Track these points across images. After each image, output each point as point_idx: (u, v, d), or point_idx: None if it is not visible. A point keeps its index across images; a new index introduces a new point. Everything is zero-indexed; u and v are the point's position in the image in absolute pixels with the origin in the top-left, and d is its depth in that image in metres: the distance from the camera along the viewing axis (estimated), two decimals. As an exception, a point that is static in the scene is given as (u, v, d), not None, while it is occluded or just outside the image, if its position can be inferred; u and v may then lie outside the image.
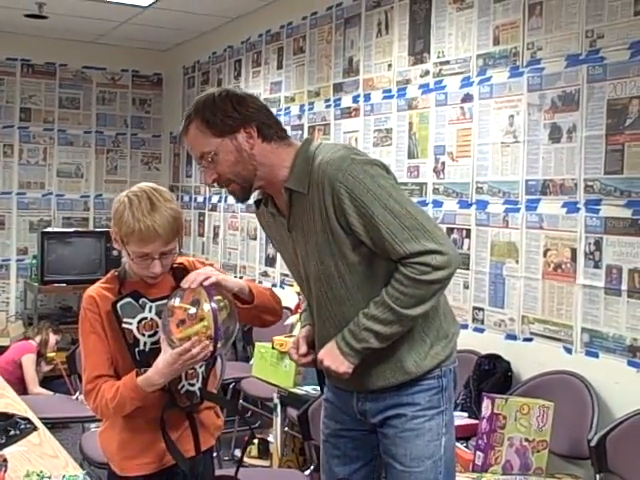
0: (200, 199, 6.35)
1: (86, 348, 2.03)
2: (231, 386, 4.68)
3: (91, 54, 6.74)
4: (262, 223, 2.18)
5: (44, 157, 6.69)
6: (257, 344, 4.54)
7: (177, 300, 1.94)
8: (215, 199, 6.07)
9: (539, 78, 3.26)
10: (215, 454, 3.52)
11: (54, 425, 3.17)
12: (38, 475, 2.03)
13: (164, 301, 2.02)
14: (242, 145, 1.92)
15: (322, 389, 2.22)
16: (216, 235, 6.07)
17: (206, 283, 1.90)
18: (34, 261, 6.36)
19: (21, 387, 4.49)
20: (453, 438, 2.08)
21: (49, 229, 6.40)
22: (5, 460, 2.00)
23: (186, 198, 6.63)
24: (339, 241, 1.90)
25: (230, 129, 1.91)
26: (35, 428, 2.47)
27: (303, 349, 2.08)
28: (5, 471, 1.99)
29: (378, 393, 2.02)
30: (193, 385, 2.09)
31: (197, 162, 1.99)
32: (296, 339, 2.13)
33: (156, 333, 2.02)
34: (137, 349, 2.01)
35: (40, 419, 2.65)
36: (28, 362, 5.09)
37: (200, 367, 2.07)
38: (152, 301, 2.04)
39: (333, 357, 1.94)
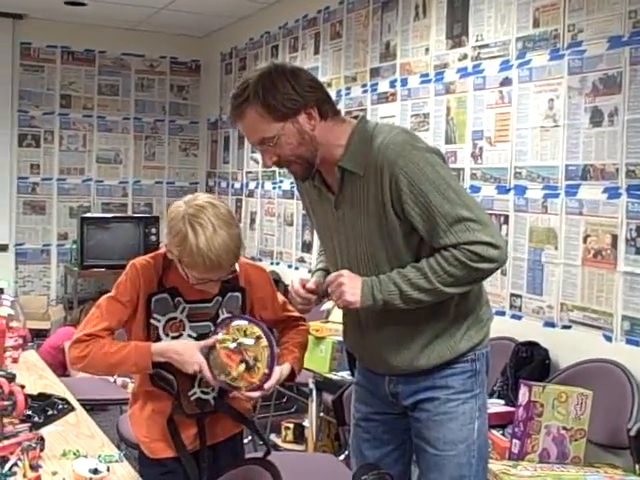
0: (237, 185, 6.36)
1: (106, 308, 2.02)
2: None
3: (130, 41, 6.79)
4: (302, 193, 2.15)
5: (84, 143, 6.77)
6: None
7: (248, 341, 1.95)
8: (252, 185, 6.08)
9: (580, 61, 3.19)
10: (249, 438, 3.56)
11: (93, 407, 3.21)
12: (75, 454, 2.06)
13: (200, 304, 2.02)
14: (304, 127, 1.87)
15: (353, 372, 2.21)
16: (253, 221, 6.08)
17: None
18: (74, 246, 6.45)
19: (63, 371, 4.56)
20: (486, 422, 2.06)
21: (88, 214, 6.48)
22: (42, 439, 2.03)
23: (223, 184, 6.66)
24: (391, 227, 1.88)
25: (292, 112, 1.85)
26: (72, 409, 2.50)
27: (311, 285, 2.04)
28: (42, 450, 2.01)
29: (411, 376, 2.00)
30: (207, 393, 2.08)
31: (254, 145, 1.94)
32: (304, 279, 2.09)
33: (181, 335, 2.02)
34: None
35: (78, 400, 2.69)
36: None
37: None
38: (188, 302, 2.03)
39: (353, 283, 1.89)
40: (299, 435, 4.29)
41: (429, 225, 1.84)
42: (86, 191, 6.81)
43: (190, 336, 2.03)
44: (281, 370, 2.00)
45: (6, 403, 1.92)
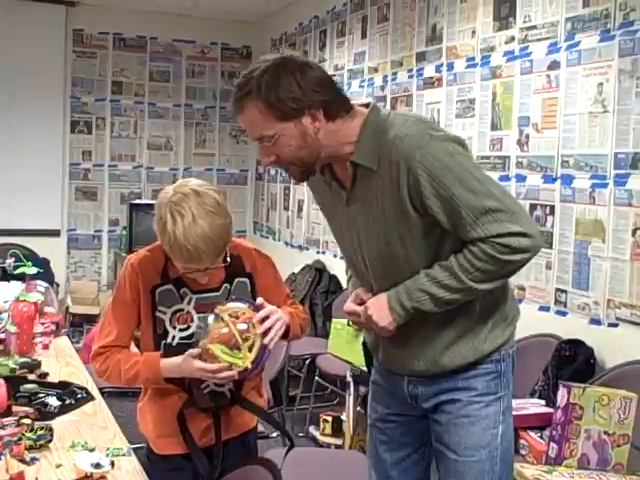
0: (285, 173, 6.29)
1: (113, 315, 1.99)
2: (307, 362, 4.64)
3: (181, 27, 6.78)
4: (312, 187, 2.03)
5: (135, 130, 6.80)
6: (334, 320, 4.48)
7: (232, 319, 1.85)
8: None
9: (632, 42, 2.98)
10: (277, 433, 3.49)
11: (120, 395, 3.19)
12: (82, 446, 2.01)
13: (207, 294, 1.95)
14: (307, 130, 1.73)
15: (370, 370, 2.10)
16: (300, 209, 6.01)
17: (270, 344, 1.86)
18: (124, 232, 6.50)
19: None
20: (511, 427, 1.94)
21: (138, 201, 6.51)
22: (51, 429, 1.99)
23: (272, 171, 6.60)
24: (410, 223, 1.76)
25: (295, 113, 1.71)
26: (92, 398, 2.47)
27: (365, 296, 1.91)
28: (50, 440, 1.98)
29: (431, 377, 1.89)
30: (222, 386, 2.01)
31: (253, 140, 1.82)
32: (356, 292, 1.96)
33: (189, 327, 1.95)
34: (164, 341, 1.96)
35: (103, 389, 2.66)
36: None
37: None
38: (194, 292, 1.96)
39: (379, 308, 1.81)
40: (337, 428, 4.22)
41: (454, 219, 1.72)
42: (137, 177, 6.85)
43: (200, 327, 1.95)
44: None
45: None
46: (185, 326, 1.95)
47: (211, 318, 1.86)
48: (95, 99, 6.63)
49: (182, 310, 1.96)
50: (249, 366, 1.83)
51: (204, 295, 1.96)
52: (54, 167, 6.52)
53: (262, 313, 1.87)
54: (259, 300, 1.93)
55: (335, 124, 1.77)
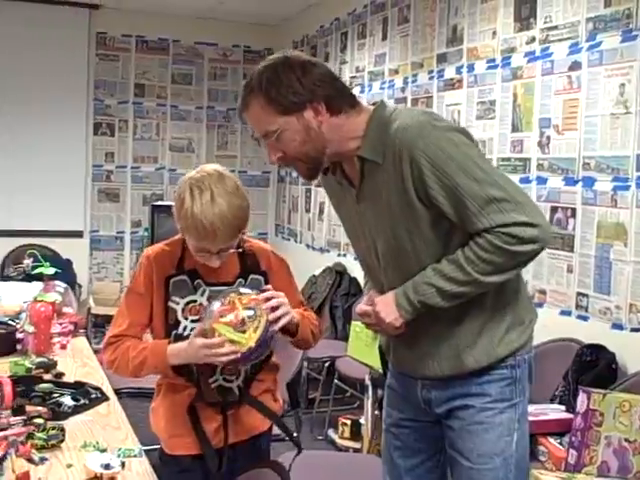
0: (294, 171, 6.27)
1: (126, 304, 2.00)
2: (326, 365, 4.62)
3: (203, 30, 6.79)
4: (327, 190, 2.03)
5: (157, 132, 6.83)
6: (353, 323, 4.45)
7: (238, 296, 1.84)
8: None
9: (655, 42, 2.94)
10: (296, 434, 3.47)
11: (136, 395, 3.19)
12: (94, 447, 2.01)
13: (221, 287, 1.93)
14: (310, 123, 1.74)
15: (385, 373, 2.08)
16: (321, 212, 5.99)
17: (276, 323, 1.84)
18: (146, 233, 6.52)
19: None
20: (526, 434, 1.89)
21: (159, 202, 6.53)
22: (62, 429, 1.99)
23: (294, 173, 6.57)
24: (416, 216, 1.73)
25: (296, 106, 1.72)
26: (106, 399, 2.47)
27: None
28: (62, 440, 1.98)
29: (445, 381, 1.86)
30: (231, 382, 2.00)
31: (259, 139, 1.83)
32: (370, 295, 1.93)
33: (201, 319, 1.93)
34: (175, 332, 1.95)
35: (117, 390, 2.66)
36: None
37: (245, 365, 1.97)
38: (208, 285, 1.96)
39: (386, 304, 1.78)
40: (356, 432, 4.19)
41: (459, 210, 1.69)
42: (159, 179, 6.88)
43: (207, 311, 1.93)
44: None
45: None
46: (197, 317, 1.94)
47: (217, 303, 1.85)
48: (118, 101, 6.67)
49: (195, 301, 1.96)
50: (253, 345, 1.80)
51: (218, 288, 1.94)
52: (77, 169, 6.56)
53: (268, 293, 1.86)
54: (267, 286, 1.93)
55: (339, 118, 1.77)
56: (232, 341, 1.79)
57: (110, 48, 6.61)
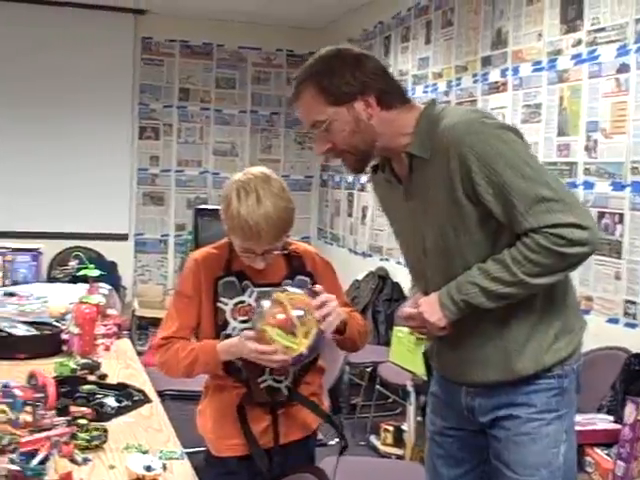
0: (350, 179, 6.27)
1: (175, 307, 2.03)
2: (368, 370, 4.60)
3: (246, 34, 6.83)
4: (376, 190, 2.03)
5: (201, 136, 6.89)
6: (395, 328, 4.43)
7: (288, 296, 1.85)
8: (364, 179, 5.97)
9: None
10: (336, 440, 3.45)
11: (179, 397, 3.22)
12: (136, 448, 2.02)
13: (268, 289, 1.94)
14: (360, 115, 1.75)
15: (429, 379, 2.05)
16: (364, 216, 5.97)
17: (327, 331, 1.84)
18: (190, 237, 6.58)
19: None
20: (574, 446, 1.85)
21: (203, 206, 6.58)
22: (105, 430, 2.01)
23: (337, 178, 6.59)
24: (464, 214, 1.71)
25: (347, 97, 1.74)
26: (148, 400, 2.49)
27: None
28: (105, 442, 2.00)
29: (489, 389, 1.82)
30: (280, 382, 2.00)
31: (308, 130, 1.84)
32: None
33: (249, 320, 1.93)
34: (224, 332, 1.96)
35: (160, 392, 2.68)
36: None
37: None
38: (256, 286, 1.97)
39: (430, 304, 1.76)
40: (398, 439, 4.16)
41: (506, 208, 1.66)
42: (203, 183, 6.93)
43: (256, 311, 1.94)
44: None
45: (38, 395, 1.91)
46: (246, 318, 1.95)
47: (267, 303, 1.85)
48: (163, 105, 6.75)
49: (243, 302, 1.97)
50: (304, 351, 1.81)
51: (266, 289, 1.95)
52: (122, 172, 6.65)
53: (319, 299, 1.86)
54: (317, 287, 1.92)
55: (390, 113, 1.77)
56: (284, 347, 1.80)
57: (155, 53, 6.69)
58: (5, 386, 2.01)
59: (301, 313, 1.82)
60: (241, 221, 1.84)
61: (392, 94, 1.78)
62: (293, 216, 1.91)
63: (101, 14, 6.38)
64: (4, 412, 1.87)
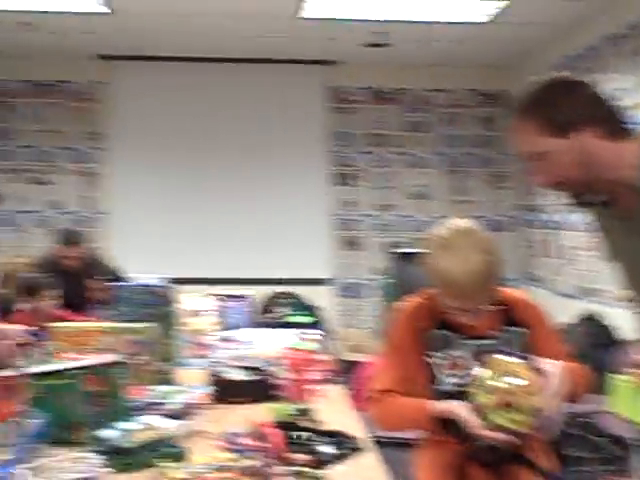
0: (546, 217, 6.03)
1: (386, 360, 2.03)
2: (584, 420, 4.31)
3: (435, 76, 6.86)
4: (603, 225, 1.91)
5: (394, 179, 6.96)
6: (613, 375, 4.12)
7: (507, 366, 1.78)
8: (565, 217, 5.71)
9: None
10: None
11: (395, 445, 3.16)
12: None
13: (482, 341, 1.89)
14: (580, 146, 1.68)
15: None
16: (570, 256, 5.68)
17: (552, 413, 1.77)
18: (388, 281, 6.59)
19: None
20: None
21: (400, 250, 6.59)
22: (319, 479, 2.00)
23: (531, 216, 6.36)
24: None
25: (568, 128, 1.69)
26: (363, 448, 2.45)
27: None
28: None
29: None
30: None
31: (524, 161, 1.80)
32: None
33: (462, 375, 1.89)
34: (436, 387, 1.92)
35: (375, 438, 2.63)
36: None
37: None
38: (467, 338, 1.92)
39: None
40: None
41: None
42: (398, 226, 6.96)
43: (473, 382, 1.87)
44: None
45: (264, 444, 1.94)
46: (459, 373, 1.90)
47: (486, 373, 1.78)
48: (355, 151, 6.90)
49: (455, 356, 1.92)
50: (527, 431, 1.74)
51: (479, 342, 1.90)
52: (319, 218, 6.84)
53: (544, 380, 1.77)
54: (537, 360, 1.83)
55: (612, 144, 1.69)
56: (505, 428, 1.73)
57: (345, 101, 6.88)
58: (233, 434, 2.07)
59: (523, 388, 1.75)
60: (444, 279, 1.82)
61: (612, 123, 1.70)
62: (498, 269, 1.86)
63: (292, 67, 6.69)
64: (235, 460, 1.92)
